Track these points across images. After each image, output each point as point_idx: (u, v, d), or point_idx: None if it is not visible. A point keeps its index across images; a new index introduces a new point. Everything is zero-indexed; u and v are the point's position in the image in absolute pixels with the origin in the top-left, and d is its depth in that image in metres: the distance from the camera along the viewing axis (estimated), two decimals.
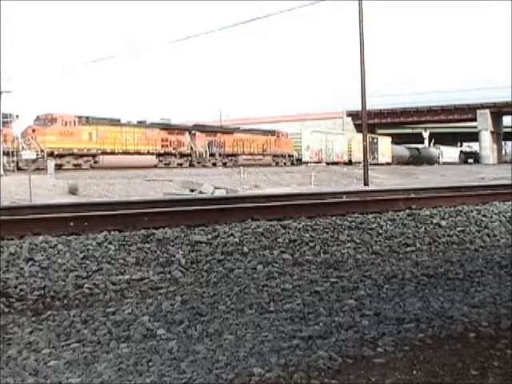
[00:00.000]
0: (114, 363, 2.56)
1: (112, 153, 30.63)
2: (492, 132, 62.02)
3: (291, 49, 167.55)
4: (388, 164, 55.42)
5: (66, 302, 3.62)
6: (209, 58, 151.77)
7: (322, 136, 48.73)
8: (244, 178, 27.33)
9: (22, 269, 4.15)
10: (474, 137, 66.51)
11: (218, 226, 5.86)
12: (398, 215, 6.92)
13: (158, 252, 4.77)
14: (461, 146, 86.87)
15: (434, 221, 6.61)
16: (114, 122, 32.00)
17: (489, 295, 3.68)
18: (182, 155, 35.66)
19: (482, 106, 60.46)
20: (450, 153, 73.89)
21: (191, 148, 35.95)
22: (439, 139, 72.47)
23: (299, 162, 44.51)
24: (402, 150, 62.44)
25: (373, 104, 53.06)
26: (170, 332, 2.98)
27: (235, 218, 6.29)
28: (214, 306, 3.42)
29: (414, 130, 73.33)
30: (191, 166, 35.06)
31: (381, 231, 5.95)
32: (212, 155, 37.47)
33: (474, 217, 7.03)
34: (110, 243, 4.91)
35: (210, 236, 5.35)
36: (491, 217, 7.05)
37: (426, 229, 6.19)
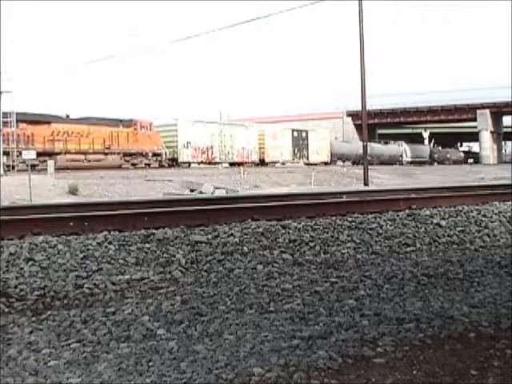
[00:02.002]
0: (113, 363, 2.56)
1: None
2: (492, 132, 62.04)
3: (291, 49, 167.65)
4: (326, 164, 46.01)
5: (66, 301, 3.62)
6: (209, 58, 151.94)
7: (212, 129, 37.41)
8: (244, 178, 27.33)
9: (22, 269, 4.15)
10: (474, 137, 66.52)
11: (218, 226, 5.86)
12: (398, 215, 6.92)
13: (158, 252, 4.77)
14: (461, 146, 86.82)
15: (434, 221, 6.61)
16: None
17: (489, 295, 3.68)
18: None
19: (482, 106, 60.49)
20: (419, 150, 63.37)
21: None
22: (439, 139, 72.42)
23: (174, 162, 34.05)
24: (351, 148, 52.01)
25: (373, 104, 51.72)
26: (170, 332, 2.98)
27: (235, 218, 6.28)
28: (214, 306, 3.42)
29: (414, 130, 73.37)
30: None
31: (381, 231, 5.95)
32: (5, 154, 25.24)
33: (473, 217, 7.03)
34: (110, 243, 4.91)
35: (210, 236, 5.34)
36: (491, 217, 7.05)
37: (425, 229, 6.19)
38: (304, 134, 46.72)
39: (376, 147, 54.71)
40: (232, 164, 38.17)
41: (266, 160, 41.73)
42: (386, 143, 59.56)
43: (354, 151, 50.80)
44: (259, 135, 41.59)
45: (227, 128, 39.20)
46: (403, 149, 59.60)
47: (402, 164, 56.10)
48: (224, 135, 38.36)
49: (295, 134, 46.03)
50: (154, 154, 32.83)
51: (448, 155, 67.86)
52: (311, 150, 47.12)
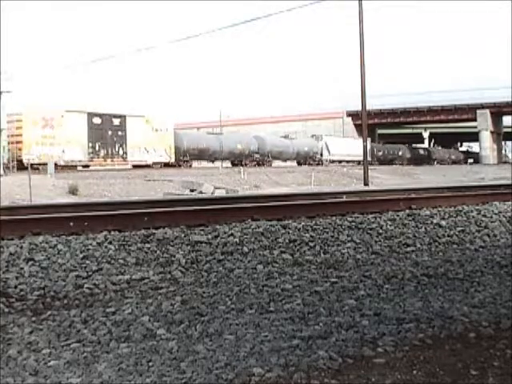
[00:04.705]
0: (114, 363, 2.56)
1: None
2: (492, 132, 62.05)
3: (292, 49, 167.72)
4: (170, 165, 33.60)
5: (66, 301, 3.62)
6: (209, 58, 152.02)
7: None
8: (244, 178, 27.34)
9: (22, 269, 4.15)
10: (474, 137, 66.54)
11: (218, 226, 5.85)
12: (398, 215, 6.92)
13: (158, 252, 4.77)
14: (461, 146, 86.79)
15: (434, 221, 6.61)
16: None
17: (489, 295, 3.68)
18: None
19: (482, 106, 60.51)
20: (348, 147, 47.93)
21: None
22: (439, 139, 72.42)
23: None
24: (221, 142, 37.59)
25: (373, 104, 49.67)
26: (170, 332, 2.98)
27: (235, 218, 6.28)
28: (213, 306, 3.42)
29: (414, 130, 73.41)
30: None
31: (381, 231, 5.95)
32: None
33: (473, 217, 7.03)
34: (110, 243, 4.91)
35: (210, 236, 5.34)
36: (491, 217, 7.05)
37: (425, 229, 6.19)
38: (117, 122, 31.22)
39: (272, 141, 41.88)
40: None
41: (27, 161, 25.53)
42: (286, 137, 46.12)
43: (230, 147, 37.86)
44: (9, 122, 26.51)
45: None
46: (323, 144, 46.46)
47: (321, 164, 43.30)
48: None
49: (96, 120, 30.15)
50: None
51: (400, 152, 56.69)
52: (133, 146, 32.12)
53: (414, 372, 2.46)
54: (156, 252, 4.76)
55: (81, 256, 4.51)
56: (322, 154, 46.33)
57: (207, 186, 21.39)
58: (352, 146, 47.57)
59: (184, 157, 35.60)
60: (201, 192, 20.44)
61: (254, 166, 36.41)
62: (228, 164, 38.98)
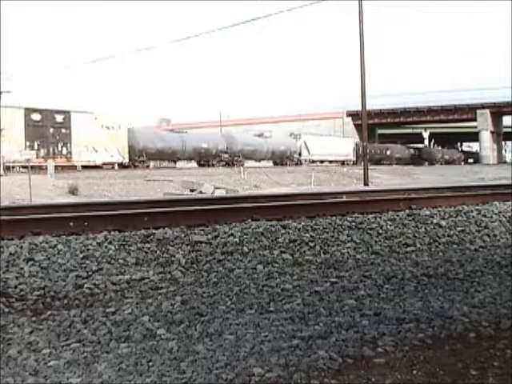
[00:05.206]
0: (114, 363, 2.56)
1: None
2: (492, 132, 62.08)
3: (292, 49, 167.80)
4: (121, 166, 31.36)
5: (66, 301, 3.62)
6: (209, 58, 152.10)
7: None
8: (244, 178, 27.34)
9: (22, 269, 4.15)
10: (474, 137, 66.55)
11: (218, 226, 5.86)
12: (398, 215, 6.92)
13: (158, 252, 4.77)
14: (461, 145, 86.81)
15: (434, 221, 6.61)
16: None
17: (489, 295, 3.68)
18: None
19: (482, 106, 60.55)
20: (330, 147, 45.24)
21: None
22: (439, 139, 72.37)
23: None
24: (185, 141, 34.96)
25: (373, 104, 49.41)
26: (170, 332, 2.98)
27: (235, 218, 6.28)
28: (214, 306, 3.42)
29: (414, 130, 73.40)
30: None
31: (381, 231, 5.95)
32: None
33: (473, 217, 7.03)
34: (110, 243, 4.91)
35: (210, 236, 5.34)
36: (491, 217, 7.05)
37: (426, 229, 6.19)
38: (61, 118, 28.98)
39: (243, 140, 38.55)
40: None
41: None
42: (261, 135, 41.87)
43: (194, 146, 35.42)
44: None
45: None
46: (302, 143, 43.31)
47: (300, 164, 40.56)
48: None
49: (34, 116, 28.15)
50: None
51: (388, 152, 54.32)
52: (79, 145, 29.52)
53: (414, 372, 2.46)
54: (156, 252, 4.77)
55: (81, 256, 4.51)
56: (300, 154, 43.52)
57: (207, 186, 21.39)
58: (335, 146, 45.59)
59: (140, 157, 33.01)
60: (201, 192, 20.44)
61: (224, 166, 33.84)
62: (194, 164, 36.93)
